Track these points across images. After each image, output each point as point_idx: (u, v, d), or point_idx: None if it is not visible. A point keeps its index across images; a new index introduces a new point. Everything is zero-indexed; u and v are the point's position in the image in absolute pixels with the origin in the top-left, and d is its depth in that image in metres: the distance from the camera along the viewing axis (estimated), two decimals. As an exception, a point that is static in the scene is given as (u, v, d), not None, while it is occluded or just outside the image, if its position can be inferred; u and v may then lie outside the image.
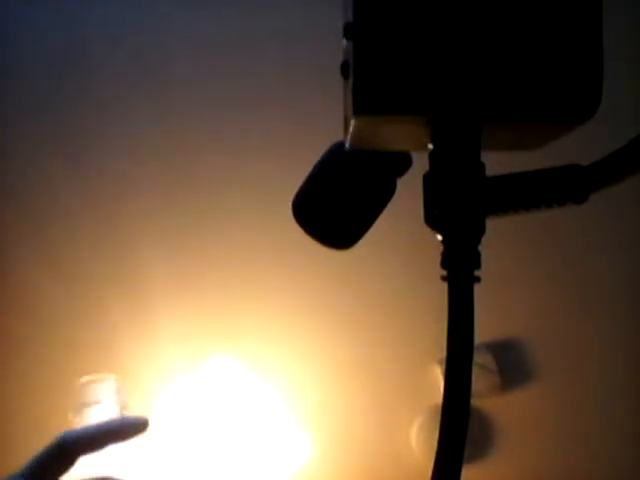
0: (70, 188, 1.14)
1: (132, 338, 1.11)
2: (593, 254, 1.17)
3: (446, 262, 0.36)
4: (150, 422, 0.48)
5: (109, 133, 1.16)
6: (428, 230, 0.37)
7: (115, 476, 0.46)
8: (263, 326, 1.14)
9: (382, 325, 1.15)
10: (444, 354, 0.34)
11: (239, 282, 1.14)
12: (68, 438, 0.45)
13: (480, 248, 0.36)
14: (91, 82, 1.15)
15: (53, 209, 1.14)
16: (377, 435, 1.15)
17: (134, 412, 1.06)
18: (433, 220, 0.36)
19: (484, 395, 1.13)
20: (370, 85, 0.32)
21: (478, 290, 0.35)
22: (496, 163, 0.39)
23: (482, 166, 0.36)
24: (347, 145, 0.39)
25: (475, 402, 1.14)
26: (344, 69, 0.34)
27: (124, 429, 0.47)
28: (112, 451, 0.46)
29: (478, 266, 0.36)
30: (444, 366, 0.35)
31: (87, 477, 0.45)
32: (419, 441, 1.14)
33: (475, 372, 0.34)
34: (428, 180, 0.37)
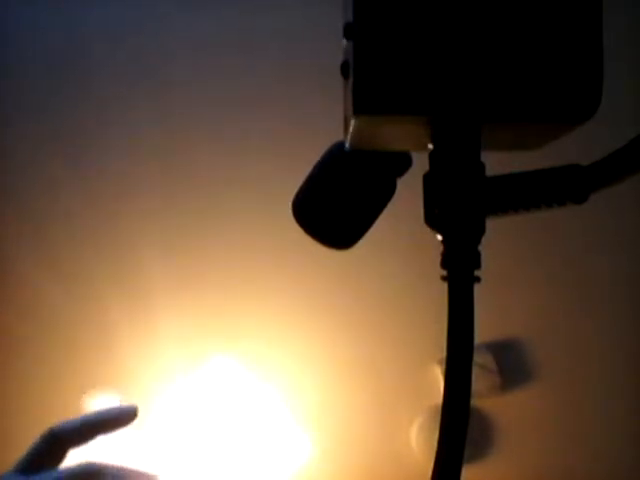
0: (70, 188, 1.14)
1: (132, 338, 1.11)
2: (593, 254, 1.17)
3: (446, 262, 0.36)
4: (138, 410, 0.49)
5: (109, 133, 1.16)
6: (428, 230, 0.37)
7: (99, 462, 0.46)
8: (263, 326, 1.14)
9: (382, 325, 1.15)
10: (444, 354, 0.34)
11: (239, 282, 1.14)
12: (57, 430, 0.45)
13: (480, 248, 0.36)
14: (91, 82, 1.15)
15: (53, 209, 1.14)
16: (377, 435, 1.15)
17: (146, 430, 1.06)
18: (433, 220, 0.36)
19: (484, 395, 1.13)
20: (370, 85, 0.32)
21: (478, 290, 0.35)
22: (496, 163, 0.39)
23: (482, 166, 0.36)
24: (347, 145, 0.39)
25: (475, 402, 1.14)
26: (344, 69, 0.34)
27: (113, 419, 0.48)
28: (111, 453, 0.46)
29: (478, 266, 0.35)
30: (444, 366, 0.35)
31: (73, 465, 0.45)
32: (419, 441, 1.14)
33: (475, 372, 0.34)
34: (428, 180, 0.37)
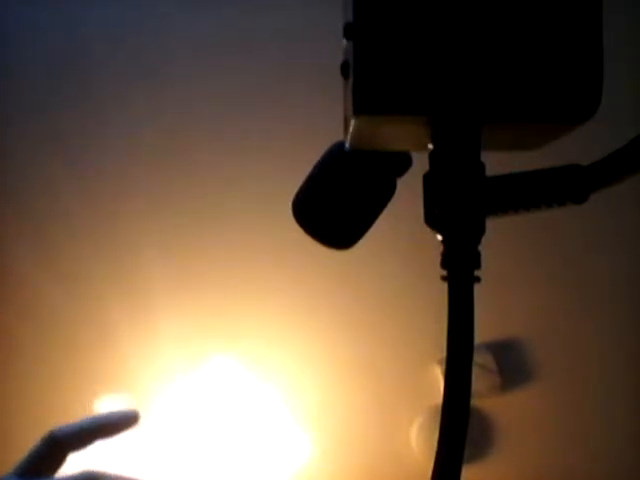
0: (70, 188, 1.14)
1: (132, 338, 1.11)
2: (593, 254, 1.17)
3: (446, 262, 0.36)
4: (140, 415, 0.48)
5: (109, 133, 1.16)
6: (428, 230, 0.37)
7: (99, 471, 0.45)
8: (263, 326, 1.14)
9: (382, 325, 1.15)
10: (444, 354, 0.34)
11: (239, 282, 1.14)
12: (57, 434, 0.45)
13: (480, 248, 0.36)
14: (91, 82, 1.15)
15: (53, 209, 1.14)
16: (377, 435, 1.15)
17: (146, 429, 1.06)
18: (433, 220, 0.36)
19: (484, 395, 1.13)
20: (370, 85, 0.32)
21: (478, 290, 0.35)
22: (496, 163, 0.39)
23: (482, 166, 0.36)
24: (347, 145, 0.39)
25: (475, 402, 1.14)
26: (344, 69, 0.34)
27: (114, 423, 0.47)
28: (111, 452, 0.46)
29: (478, 266, 0.35)
30: (444, 366, 0.35)
31: (73, 473, 0.44)
32: (419, 441, 1.14)
33: (475, 372, 0.34)
34: (428, 180, 0.37)
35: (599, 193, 0.41)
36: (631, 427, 1.17)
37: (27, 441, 0.46)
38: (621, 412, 1.17)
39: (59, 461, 0.45)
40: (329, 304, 1.15)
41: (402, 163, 0.46)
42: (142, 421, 0.49)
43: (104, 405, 1.06)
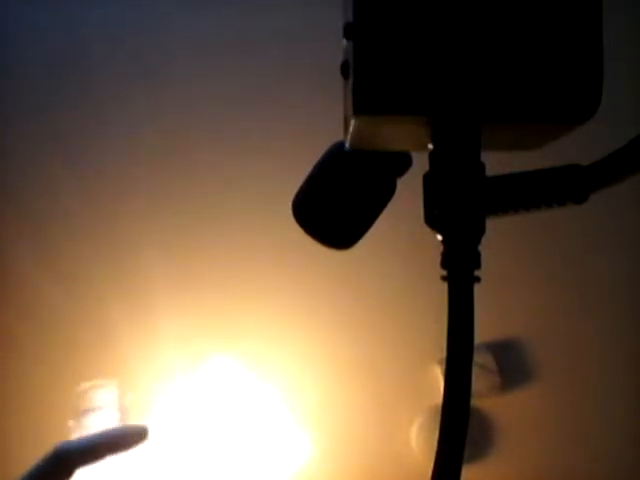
0: (70, 188, 1.14)
1: (132, 338, 1.11)
2: (593, 254, 1.17)
3: (446, 262, 0.36)
4: (149, 430, 0.47)
5: (109, 133, 1.16)
6: (428, 230, 0.37)
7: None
8: (263, 326, 1.14)
9: (382, 325, 1.15)
10: (444, 354, 0.34)
11: (239, 282, 1.14)
12: (65, 449, 0.43)
13: (480, 248, 0.36)
14: (91, 82, 1.15)
15: (53, 209, 1.14)
16: (377, 435, 1.15)
17: (135, 417, 1.06)
18: (433, 220, 0.36)
19: (484, 395, 1.13)
20: (370, 85, 0.32)
21: (478, 290, 0.35)
22: (496, 163, 0.39)
23: (482, 166, 0.36)
24: (347, 145, 0.39)
25: (475, 402, 1.14)
26: (344, 69, 0.34)
27: (123, 439, 0.46)
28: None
29: (478, 266, 0.35)
30: (444, 366, 0.35)
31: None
32: (419, 441, 1.14)
33: (475, 372, 0.34)
34: (428, 180, 0.37)
35: (599, 193, 0.41)
36: (631, 427, 1.17)
37: (26, 441, 0.45)
38: (621, 412, 1.17)
39: (64, 477, 0.43)
40: (329, 304, 1.15)
41: (402, 163, 0.46)
42: (142, 421, 0.48)
43: (87, 391, 1.06)
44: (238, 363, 1.13)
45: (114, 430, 0.47)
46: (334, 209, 0.47)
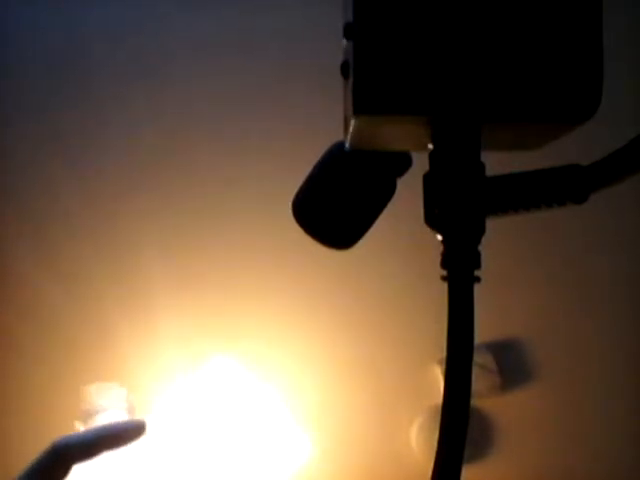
0: (70, 188, 1.14)
1: (132, 338, 1.11)
2: (593, 254, 1.17)
3: (446, 262, 0.35)
4: (147, 426, 0.47)
5: (109, 133, 1.16)
6: (428, 230, 0.37)
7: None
8: (263, 326, 1.14)
9: (382, 325, 1.15)
10: (444, 354, 0.34)
11: (239, 282, 1.14)
12: (62, 445, 0.43)
13: (480, 248, 0.36)
14: (91, 82, 1.15)
15: (53, 209, 1.14)
16: (377, 435, 1.15)
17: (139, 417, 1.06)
18: (433, 220, 0.36)
19: (484, 395, 1.13)
20: (370, 85, 0.32)
21: (478, 290, 0.35)
22: (496, 163, 0.39)
23: (482, 166, 0.36)
24: (347, 145, 0.39)
25: (475, 402, 1.14)
26: (344, 69, 0.34)
27: (121, 435, 0.46)
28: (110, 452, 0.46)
29: (478, 266, 0.35)
30: (444, 366, 0.35)
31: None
32: (419, 441, 1.14)
33: (475, 372, 0.34)
34: (428, 180, 0.37)
35: (599, 193, 0.41)
36: (631, 427, 1.17)
37: (27, 441, 0.45)
38: (621, 412, 1.17)
39: (63, 473, 0.44)
40: (329, 304, 1.15)
41: (402, 163, 0.46)
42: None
43: (93, 393, 1.06)
44: (238, 363, 1.13)
45: (112, 425, 0.47)
46: (334, 209, 0.47)
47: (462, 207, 0.35)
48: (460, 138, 0.35)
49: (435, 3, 0.32)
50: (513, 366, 1.16)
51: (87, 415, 1.04)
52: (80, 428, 1.02)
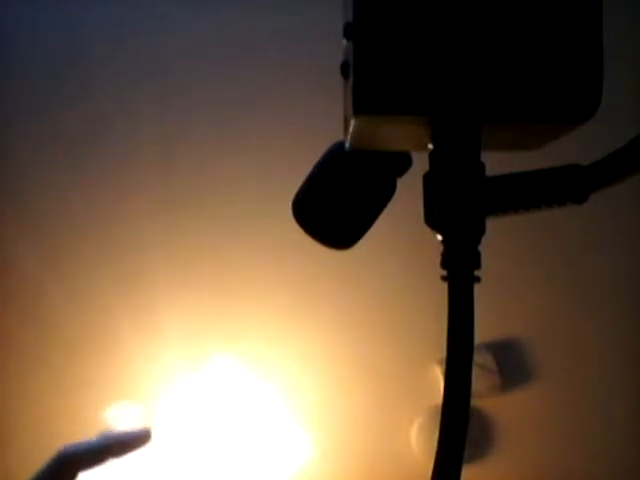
0: (70, 188, 1.14)
1: (133, 338, 1.11)
2: (593, 254, 1.17)
3: (446, 262, 0.36)
4: (152, 434, 0.47)
5: (109, 133, 1.16)
6: (428, 230, 0.37)
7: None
8: (263, 326, 1.14)
9: (382, 325, 1.15)
10: (444, 354, 0.34)
11: (239, 282, 1.14)
12: (68, 453, 0.44)
13: (480, 248, 0.36)
14: (91, 82, 1.15)
15: (53, 209, 1.14)
16: (377, 435, 1.15)
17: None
18: (433, 220, 0.36)
19: (484, 395, 1.13)
20: (370, 85, 0.32)
21: (478, 290, 0.35)
22: (496, 163, 0.39)
23: (482, 166, 0.36)
24: (347, 145, 0.39)
25: (475, 402, 1.14)
26: (344, 69, 0.34)
27: (126, 443, 0.46)
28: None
29: (478, 266, 0.36)
30: (444, 366, 0.35)
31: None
32: (419, 441, 1.14)
33: (475, 372, 0.34)
34: (428, 180, 0.37)
35: (599, 193, 0.41)
36: (631, 427, 1.17)
37: (27, 441, 0.45)
38: (621, 412, 1.17)
39: None
40: (329, 304, 1.15)
41: (402, 163, 0.46)
42: (143, 421, 0.48)
43: (113, 414, 1.07)
44: (238, 363, 1.13)
45: (117, 434, 0.47)
46: (334, 209, 0.47)
47: (462, 207, 0.35)
48: (460, 138, 0.35)
49: (435, 3, 0.32)
50: (513, 366, 1.16)
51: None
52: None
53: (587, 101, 0.32)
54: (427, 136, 0.36)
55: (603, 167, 0.41)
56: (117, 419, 1.05)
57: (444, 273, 0.35)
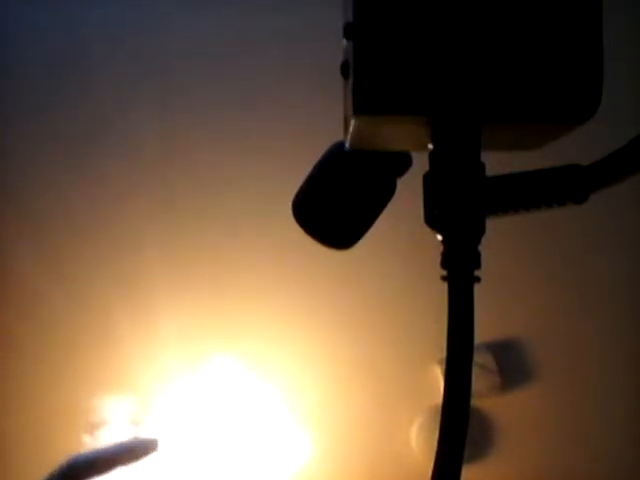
0: (70, 188, 1.14)
1: (132, 338, 1.11)
2: (593, 254, 1.17)
3: (446, 262, 0.36)
4: (159, 443, 0.48)
5: (109, 133, 1.16)
6: (428, 230, 0.37)
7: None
8: (263, 326, 1.14)
9: (382, 325, 1.15)
10: (444, 354, 0.34)
11: (239, 282, 1.14)
12: (77, 462, 0.44)
13: (480, 248, 0.36)
14: (91, 82, 1.15)
15: (53, 209, 1.14)
16: (377, 435, 1.15)
17: (147, 430, 1.06)
18: (433, 220, 0.36)
19: (484, 395, 1.13)
20: (370, 85, 0.32)
21: (478, 290, 0.35)
22: (496, 163, 0.39)
23: (482, 166, 0.36)
24: (347, 145, 0.39)
25: (475, 402, 1.14)
26: (344, 69, 0.34)
27: (132, 452, 0.47)
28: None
29: (478, 266, 0.36)
30: (444, 366, 0.35)
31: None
32: (419, 441, 1.14)
33: (475, 372, 0.34)
34: (428, 180, 0.37)
35: (599, 193, 0.41)
36: (631, 427, 1.17)
37: (27, 441, 0.45)
38: (621, 412, 1.17)
39: None
40: (329, 304, 1.15)
41: (402, 163, 0.46)
42: (143, 421, 0.49)
43: (107, 407, 1.07)
44: (238, 363, 1.13)
45: (125, 443, 0.47)
46: (334, 209, 0.47)
47: (462, 207, 0.35)
48: (460, 138, 0.35)
49: (435, 3, 0.32)
50: (513, 366, 1.16)
51: (94, 427, 1.04)
52: (87, 441, 1.03)
53: (587, 101, 0.32)
54: (427, 136, 0.36)
55: (603, 167, 0.41)
56: (104, 411, 1.05)
57: (444, 273, 0.35)
